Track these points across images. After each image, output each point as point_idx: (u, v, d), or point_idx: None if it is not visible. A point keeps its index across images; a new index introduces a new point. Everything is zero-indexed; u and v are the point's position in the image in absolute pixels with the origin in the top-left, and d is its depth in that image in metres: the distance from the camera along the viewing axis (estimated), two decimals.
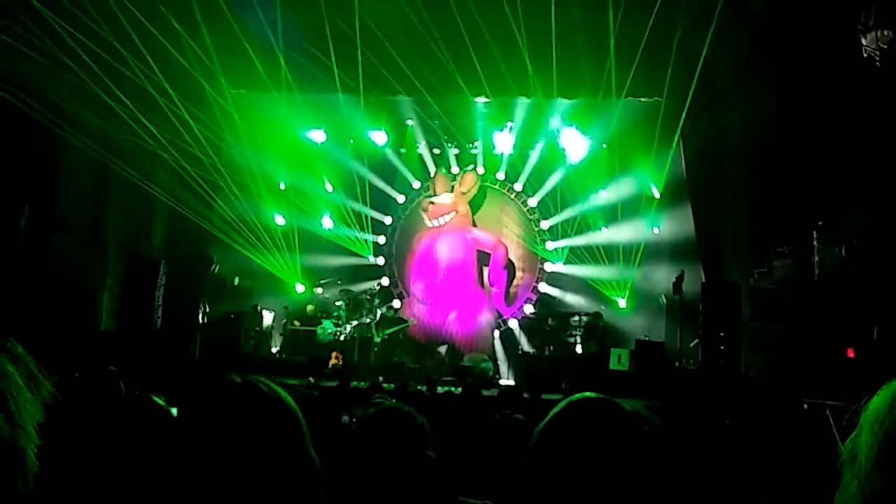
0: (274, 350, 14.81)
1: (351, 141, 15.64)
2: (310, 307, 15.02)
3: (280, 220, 15.08)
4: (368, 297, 14.78)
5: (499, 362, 14.81)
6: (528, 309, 15.77)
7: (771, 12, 10.46)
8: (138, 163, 11.55)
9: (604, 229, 15.21)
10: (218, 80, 12.57)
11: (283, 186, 15.29)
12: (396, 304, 15.79)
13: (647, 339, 13.02)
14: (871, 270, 8.53)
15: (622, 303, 14.92)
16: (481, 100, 14.54)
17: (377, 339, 14.15)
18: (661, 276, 14.00)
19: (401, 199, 16.42)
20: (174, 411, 2.09)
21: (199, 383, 1.17)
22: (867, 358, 8.19)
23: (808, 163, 10.04)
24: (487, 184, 16.39)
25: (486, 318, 15.43)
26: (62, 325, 11.07)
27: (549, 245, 15.89)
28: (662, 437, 1.14)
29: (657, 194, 14.53)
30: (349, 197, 15.57)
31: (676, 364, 12.51)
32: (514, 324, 15.65)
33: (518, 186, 16.15)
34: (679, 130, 13.51)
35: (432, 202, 15.87)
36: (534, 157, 15.73)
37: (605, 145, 15.16)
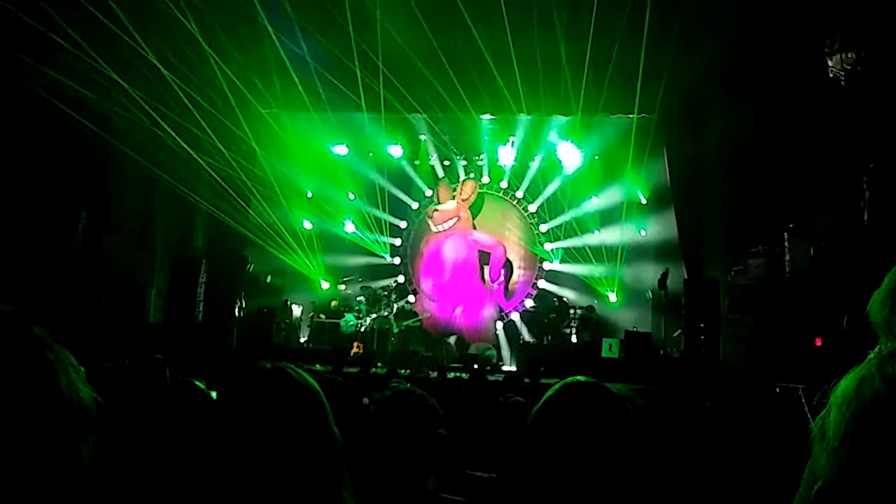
0: (302, 340, 14.84)
1: (371, 154, 15.71)
2: (334, 302, 15.13)
3: (308, 225, 15.14)
4: (386, 293, 14.83)
5: (502, 350, 14.81)
6: (529, 303, 15.79)
7: (747, 37, 10.42)
8: (182, 175, 11.61)
9: (596, 232, 15.22)
10: (251, 100, 12.59)
11: (310, 195, 15.42)
12: (411, 299, 15.74)
13: (635, 329, 12.93)
14: (837, 268, 8.48)
15: (613, 297, 14.87)
16: (486, 117, 14.53)
17: (395, 330, 14.19)
18: (648, 274, 13.93)
19: (415, 205, 16.49)
20: (214, 394, 2.15)
21: (235, 370, 1.20)
22: (833, 346, 8.14)
23: (780, 171, 10.01)
24: (492, 192, 16.43)
25: (489, 311, 15.44)
26: (115, 319, 11.22)
27: (547, 246, 15.90)
28: (645, 415, 1.17)
29: (644, 200, 14.61)
30: (369, 204, 15.67)
31: (661, 352, 12.47)
32: (515, 316, 15.63)
33: (519, 194, 16.19)
34: (664, 143, 13.54)
35: (437, 209, 16.05)
36: (533, 168, 15.81)
37: (597, 157, 15.18)
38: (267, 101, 13.06)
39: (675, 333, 12.51)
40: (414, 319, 14.58)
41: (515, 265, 16.14)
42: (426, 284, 15.78)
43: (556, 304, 15.13)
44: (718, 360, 11.45)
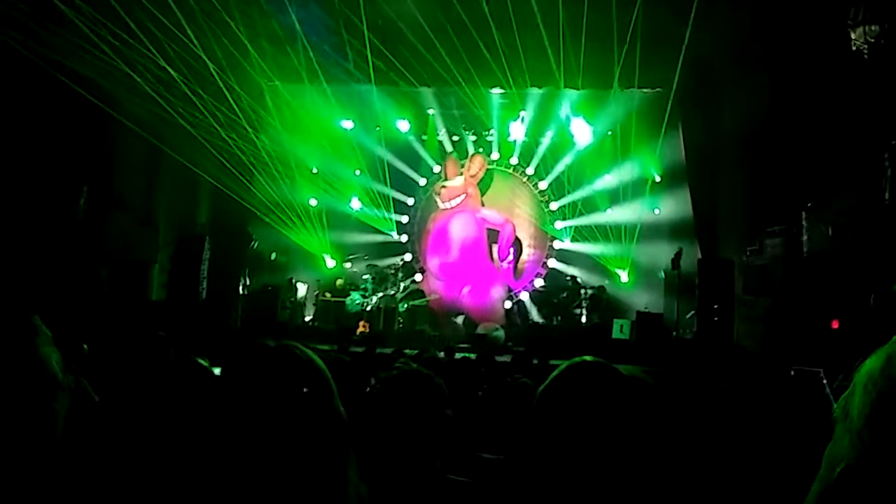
0: (307, 319, 14.87)
1: (377, 128, 15.61)
2: (339, 280, 15.07)
3: (313, 202, 15.11)
4: (393, 272, 14.81)
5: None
6: (538, 283, 15.79)
7: (767, 8, 10.24)
8: (185, 149, 11.57)
9: (608, 210, 15.12)
10: (256, 72, 12.53)
11: (315, 171, 15.36)
12: (418, 277, 15.78)
13: (647, 310, 12.90)
14: (856, 249, 8.42)
15: (624, 277, 14.84)
16: (496, 91, 14.35)
17: (402, 309, 14.23)
18: (661, 253, 13.85)
19: (422, 181, 16.45)
20: (217, 371, 2.12)
21: (239, 347, 1.20)
22: (850, 329, 8.12)
23: (798, 148, 9.88)
24: (501, 168, 16.35)
25: (497, 291, 15.40)
26: (118, 296, 11.35)
27: (558, 224, 15.85)
28: (654, 396, 1.15)
29: (658, 178, 14.54)
30: (375, 180, 15.57)
31: (674, 334, 12.48)
32: (524, 296, 15.64)
33: (530, 171, 16.12)
34: (679, 119, 13.38)
35: (444, 186, 15.95)
36: (544, 143, 15.70)
37: (610, 133, 14.93)
38: (273, 72, 12.98)
39: (689, 315, 12.47)
40: (421, 300, 14.63)
41: (525, 244, 16.11)
42: (433, 263, 15.74)
43: (567, 283, 15.11)
44: (732, 342, 11.40)
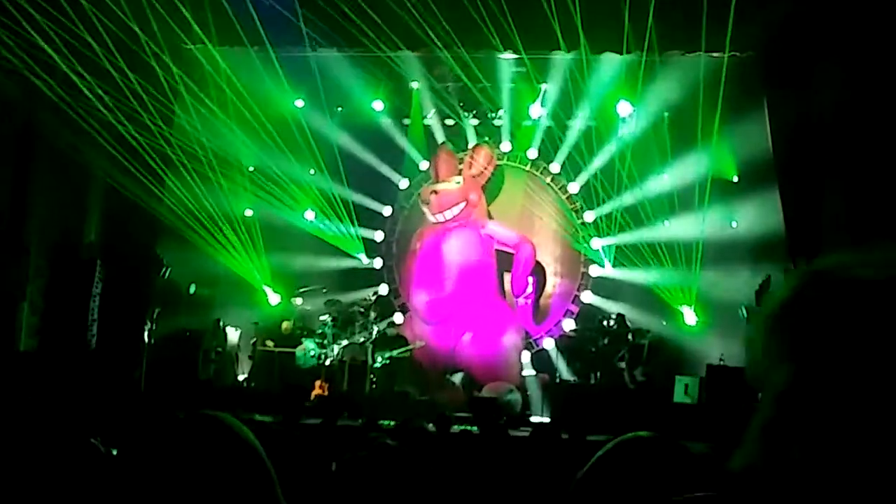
0: (241, 377, 14.88)
1: (339, 110, 15.68)
2: (286, 323, 15.04)
3: (249, 212, 15.10)
4: (362, 311, 14.65)
5: (529, 393, 14.70)
6: (568, 325, 15.77)
7: None
8: (69, 140, 11.57)
9: (665, 223, 15.03)
10: (168, 31, 12.46)
11: (252, 169, 15.27)
12: (398, 318, 15.77)
13: (722, 363, 12.87)
14: None
15: (690, 316, 14.82)
16: (507, 56, 14.43)
17: (374, 365, 14.15)
18: (741, 283, 13.84)
19: (403, 183, 16.36)
20: (115, 453, 2.10)
21: (144, 420, 1.18)
22: None
23: None
24: (515, 164, 16.28)
25: (510, 338, 15.26)
26: None
27: (595, 243, 15.70)
28: (736, 485, 1.14)
29: (735, 178, 14.57)
30: (337, 182, 15.47)
31: (760, 396, 12.40)
32: (549, 344, 15.60)
33: (555, 167, 15.97)
34: (765, 95, 13.48)
35: (435, 190, 15.61)
36: (575, 129, 15.57)
37: (666, 116, 14.95)
38: (194, 35, 12.93)
39: None
40: (402, 349, 14.55)
41: (549, 271, 16.11)
42: (419, 299, 15.57)
43: (608, 326, 15.03)
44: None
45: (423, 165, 16.37)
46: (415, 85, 15.80)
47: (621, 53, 13.72)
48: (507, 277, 15.85)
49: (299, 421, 9.90)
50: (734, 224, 14.69)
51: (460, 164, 15.99)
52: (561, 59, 14.39)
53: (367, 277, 16.09)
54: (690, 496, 1.05)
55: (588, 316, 15.75)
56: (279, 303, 15.49)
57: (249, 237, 14.82)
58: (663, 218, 15.17)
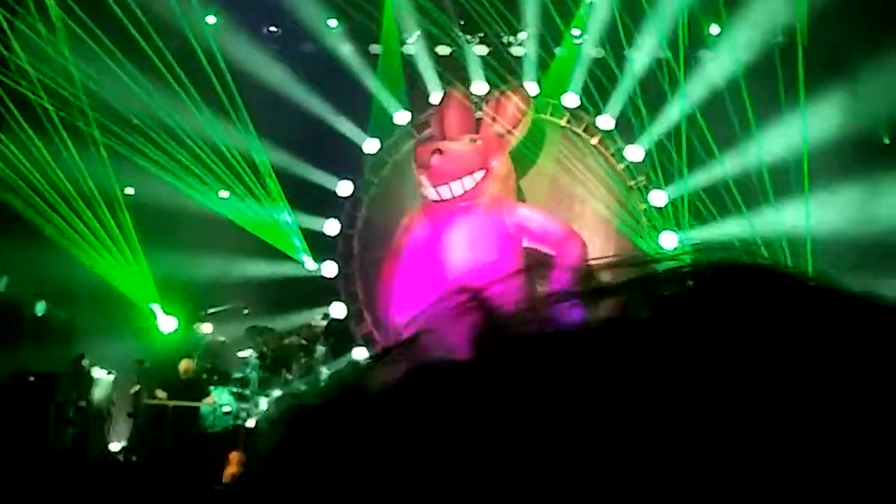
0: (115, 447, 14.48)
1: (271, 30, 15.67)
2: (186, 362, 14.46)
3: (130, 190, 14.94)
4: (304, 343, 14.70)
5: None
6: None
7: None
8: None
9: (779, 208, 14.43)
10: None
11: (135, 122, 14.90)
12: (359, 354, 14.65)
13: None
14: None
15: None
16: None
17: None
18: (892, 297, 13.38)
19: (370, 145, 15.86)
20: None
21: None
22: None
23: None
24: (546, 116, 15.67)
25: None
26: None
27: (666, 238, 15.21)
28: None
29: (886, 140, 14.61)
30: (267, 142, 15.36)
31: None
32: None
33: (605, 122, 15.35)
34: None
35: (440, 150, 14.89)
36: (635, 66, 15.21)
37: (780, 44, 14.74)
38: None
39: None
40: None
41: None
42: (402, 325, 15.52)
43: None
44: None
45: (402, 118, 15.97)
46: None
47: None
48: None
49: None
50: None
51: (478, 112, 15.79)
52: None
53: (314, 292, 15.82)
54: None
55: None
56: (175, 330, 15.37)
57: (130, 228, 14.87)
58: (773, 202, 14.81)
